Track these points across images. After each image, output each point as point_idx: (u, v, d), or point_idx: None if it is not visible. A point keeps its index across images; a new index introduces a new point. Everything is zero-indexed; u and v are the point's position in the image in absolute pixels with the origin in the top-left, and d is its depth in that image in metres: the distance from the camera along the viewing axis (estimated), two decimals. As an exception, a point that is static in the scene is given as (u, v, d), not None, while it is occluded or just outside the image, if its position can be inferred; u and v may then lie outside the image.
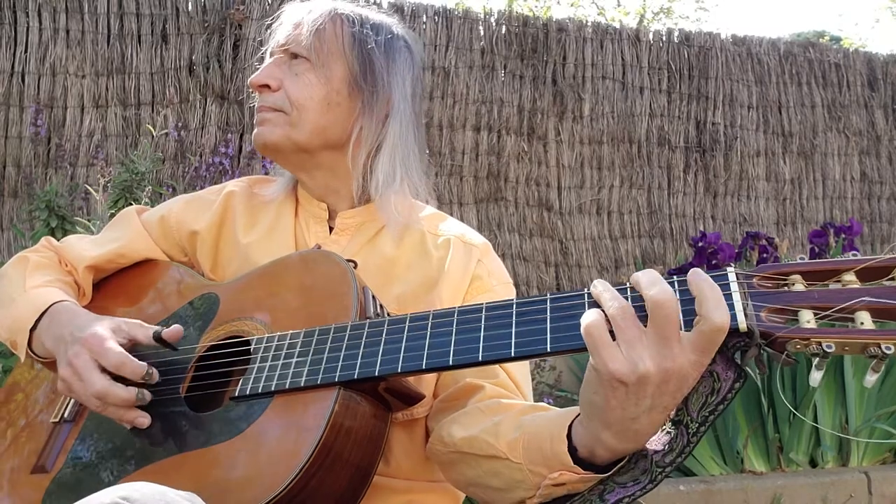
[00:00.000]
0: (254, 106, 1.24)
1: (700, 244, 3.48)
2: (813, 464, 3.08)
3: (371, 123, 1.21)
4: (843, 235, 3.59)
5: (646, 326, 0.76)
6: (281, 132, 1.19)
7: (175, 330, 1.03)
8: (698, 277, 0.76)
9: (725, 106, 4.74)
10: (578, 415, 0.87)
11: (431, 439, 1.09)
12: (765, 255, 3.50)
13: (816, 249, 3.67)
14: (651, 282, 0.77)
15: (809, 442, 3.05)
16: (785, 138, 4.88)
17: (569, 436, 0.86)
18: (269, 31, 1.27)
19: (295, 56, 1.20)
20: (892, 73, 5.10)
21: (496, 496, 0.99)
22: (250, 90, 1.25)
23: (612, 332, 0.77)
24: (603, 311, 0.78)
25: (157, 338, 1.02)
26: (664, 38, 4.70)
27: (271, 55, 1.23)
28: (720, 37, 4.78)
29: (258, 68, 1.25)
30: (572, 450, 0.86)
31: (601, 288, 0.80)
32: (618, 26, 4.71)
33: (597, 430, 0.82)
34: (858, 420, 3.04)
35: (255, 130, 1.21)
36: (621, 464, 0.85)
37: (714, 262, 3.43)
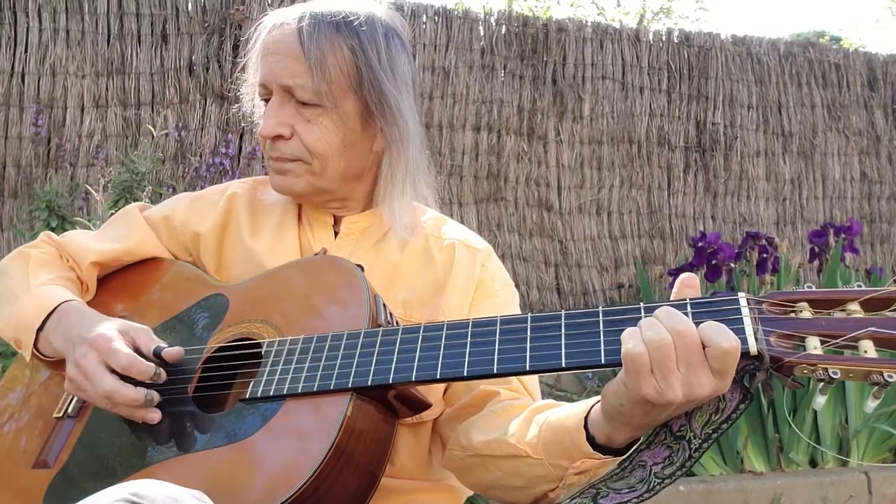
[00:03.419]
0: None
1: (700, 244, 3.49)
2: (813, 464, 3.08)
3: (390, 150, 1.18)
4: (843, 235, 3.60)
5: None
6: (305, 182, 1.16)
7: (175, 351, 1.03)
8: (700, 326, 0.79)
9: (725, 106, 4.74)
10: (593, 405, 0.90)
11: (450, 446, 1.10)
12: (764, 256, 3.50)
13: (816, 249, 3.68)
14: (669, 315, 0.79)
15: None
16: (785, 138, 4.88)
17: (585, 426, 0.90)
18: (250, 50, 1.20)
19: (304, 103, 1.12)
20: (892, 73, 5.10)
21: (518, 494, 1.01)
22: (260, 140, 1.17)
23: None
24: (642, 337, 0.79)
25: (157, 355, 1.02)
26: (664, 39, 4.69)
27: (264, 87, 1.16)
28: (720, 37, 4.77)
29: (241, 78, 1.22)
30: (590, 438, 0.89)
31: (648, 321, 0.82)
32: (618, 26, 4.72)
33: (617, 426, 0.86)
34: (858, 420, 3.04)
35: (276, 178, 1.17)
36: (615, 472, 0.88)
37: (714, 262, 3.43)
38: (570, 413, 0.94)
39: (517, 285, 4.18)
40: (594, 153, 4.51)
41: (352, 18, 1.13)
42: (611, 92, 4.52)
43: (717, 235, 3.60)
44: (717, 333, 0.77)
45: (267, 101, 1.17)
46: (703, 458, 2.95)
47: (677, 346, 0.77)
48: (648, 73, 4.60)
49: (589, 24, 4.63)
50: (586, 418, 0.90)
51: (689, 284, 0.87)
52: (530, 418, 0.99)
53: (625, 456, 0.89)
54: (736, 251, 3.51)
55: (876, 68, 5.07)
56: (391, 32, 1.18)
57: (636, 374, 0.78)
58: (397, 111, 1.15)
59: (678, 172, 4.66)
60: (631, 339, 0.79)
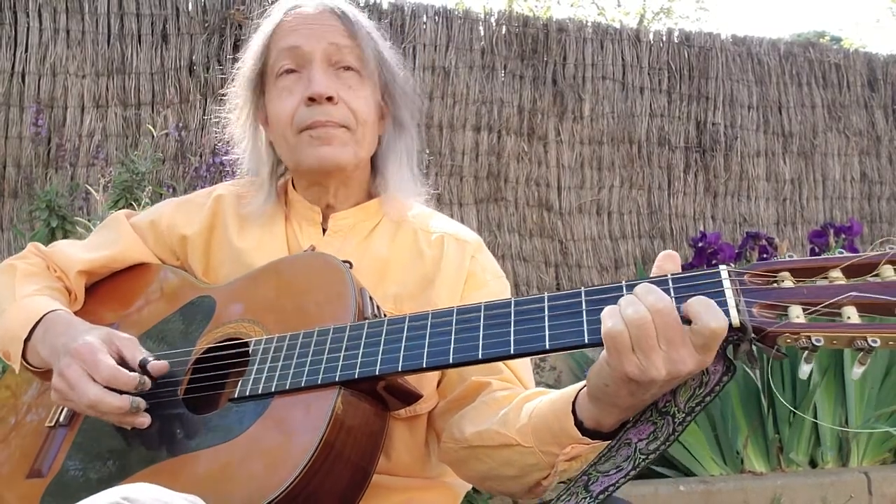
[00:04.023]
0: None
1: (700, 244, 3.48)
2: (813, 464, 3.08)
3: (400, 128, 1.24)
4: (843, 235, 3.59)
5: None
6: (351, 151, 1.17)
7: (160, 365, 1.02)
8: (689, 301, 0.79)
9: (725, 106, 4.74)
10: (580, 390, 0.90)
11: (444, 438, 1.10)
12: (765, 256, 3.50)
13: (816, 249, 3.67)
14: (647, 291, 0.79)
15: (809, 442, 3.05)
16: (785, 138, 4.88)
17: (573, 411, 0.90)
18: (258, 35, 1.22)
19: (347, 68, 1.16)
20: (892, 74, 5.10)
21: (512, 484, 1.01)
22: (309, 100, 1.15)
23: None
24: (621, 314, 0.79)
25: (143, 366, 1.01)
26: (664, 39, 4.70)
27: (297, 55, 1.16)
28: (720, 37, 4.78)
29: (234, 69, 1.24)
30: (579, 423, 0.89)
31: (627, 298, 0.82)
32: (618, 26, 4.72)
33: (604, 408, 0.86)
34: (858, 420, 3.04)
35: (322, 150, 1.15)
36: (602, 454, 0.88)
37: (714, 262, 3.43)
38: (558, 399, 0.94)
39: (517, 285, 4.19)
40: (594, 153, 4.51)
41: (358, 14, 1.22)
42: (611, 92, 4.52)
43: (717, 235, 3.60)
44: (705, 310, 0.76)
45: (288, 73, 1.18)
46: (703, 459, 2.95)
47: (657, 322, 0.77)
48: (648, 74, 4.60)
49: (589, 24, 4.63)
50: (574, 403, 0.90)
51: (670, 259, 0.86)
52: (520, 407, 0.99)
53: (615, 439, 0.88)
54: (736, 251, 3.51)
55: (876, 68, 5.07)
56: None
57: (617, 354, 0.78)
58: (402, 93, 1.23)
59: (678, 172, 4.66)
60: (610, 318, 0.79)
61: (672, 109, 4.66)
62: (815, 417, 3.03)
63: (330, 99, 1.14)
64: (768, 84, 4.83)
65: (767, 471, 2.98)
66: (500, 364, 1.11)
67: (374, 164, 1.27)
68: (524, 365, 1.16)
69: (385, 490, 1.08)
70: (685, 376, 0.79)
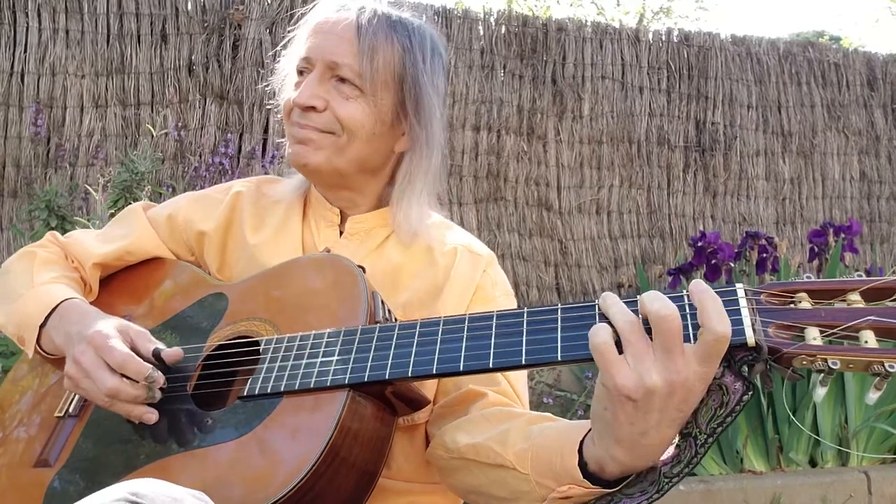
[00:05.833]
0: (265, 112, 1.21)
1: (700, 244, 3.48)
2: (813, 463, 3.08)
3: (413, 152, 1.20)
4: (843, 235, 3.59)
5: (652, 341, 0.77)
6: (324, 156, 1.15)
7: (174, 352, 1.03)
8: (699, 288, 0.77)
9: (725, 106, 4.74)
10: (590, 430, 0.87)
11: (433, 444, 1.09)
12: (764, 255, 3.50)
13: (816, 249, 3.68)
14: (653, 298, 0.77)
15: (809, 441, 3.06)
16: (784, 138, 4.88)
17: (579, 450, 0.86)
18: (296, 25, 1.22)
19: (344, 80, 1.14)
20: (891, 73, 5.10)
21: None
22: (281, 108, 1.17)
23: (618, 345, 0.78)
24: (611, 324, 0.78)
25: (157, 356, 1.02)
26: (664, 38, 4.70)
27: (306, 61, 1.16)
28: (719, 36, 4.78)
29: (281, 53, 1.23)
30: (582, 464, 0.85)
31: (610, 301, 0.80)
32: (617, 26, 4.71)
33: (608, 446, 0.82)
34: (858, 420, 3.04)
35: (295, 149, 1.16)
36: (629, 479, 0.85)
37: (713, 261, 3.43)
38: (564, 433, 0.90)
39: (517, 285, 4.19)
40: (594, 153, 4.51)
41: (408, 23, 1.19)
42: (610, 92, 4.52)
43: (717, 235, 3.59)
44: (715, 314, 0.74)
45: (302, 73, 1.18)
46: (703, 458, 2.95)
47: (658, 328, 0.75)
48: (648, 73, 4.60)
49: (588, 23, 4.63)
50: (582, 443, 0.86)
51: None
52: (523, 429, 0.96)
53: (612, 490, 0.85)
54: (736, 251, 3.51)
55: (875, 68, 5.08)
56: (437, 50, 1.23)
57: (605, 365, 0.76)
58: (430, 116, 1.19)
59: (678, 172, 4.66)
60: (594, 333, 0.77)
61: (671, 109, 4.66)
62: (815, 417, 3.03)
63: (313, 108, 1.14)
64: (767, 83, 4.84)
65: (767, 470, 2.99)
66: (498, 375, 1.10)
67: (394, 177, 1.24)
68: (521, 377, 1.15)
69: (387, 493, 1.08)
70: (681, 387, 0.76)
